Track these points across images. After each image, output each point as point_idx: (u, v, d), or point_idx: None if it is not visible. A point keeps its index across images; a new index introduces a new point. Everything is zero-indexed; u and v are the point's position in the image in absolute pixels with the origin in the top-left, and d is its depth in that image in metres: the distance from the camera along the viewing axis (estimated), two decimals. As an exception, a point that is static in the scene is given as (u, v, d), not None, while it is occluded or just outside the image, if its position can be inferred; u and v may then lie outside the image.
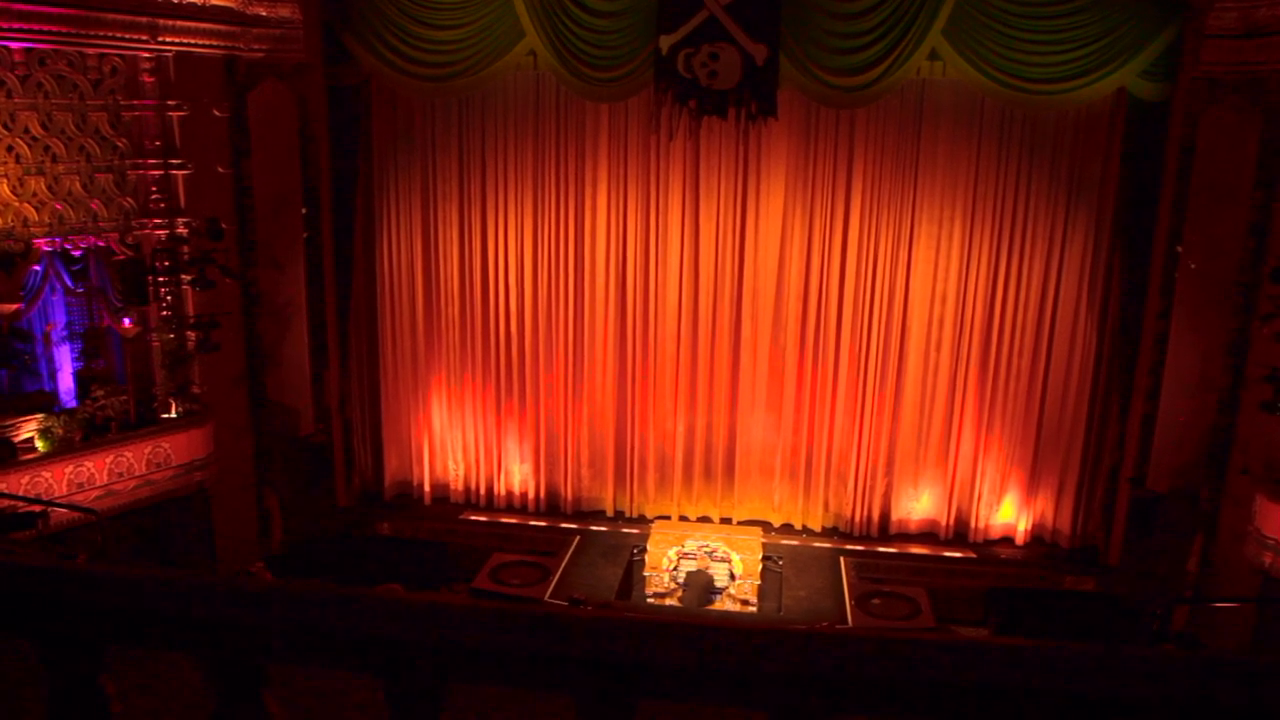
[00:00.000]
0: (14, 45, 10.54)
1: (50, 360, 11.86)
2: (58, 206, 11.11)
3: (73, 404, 11.72)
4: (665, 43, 11.34)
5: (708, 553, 11.96)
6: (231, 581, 2.36)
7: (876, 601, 11.40)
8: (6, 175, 10.70)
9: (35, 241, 10.97)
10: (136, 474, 11.75)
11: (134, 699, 2.53)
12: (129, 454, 11.69)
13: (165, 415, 12.21)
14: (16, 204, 10.81)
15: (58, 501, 10.47)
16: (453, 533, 13.44)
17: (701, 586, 11.72)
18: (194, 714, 2.87)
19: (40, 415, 11.18)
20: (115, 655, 2.35)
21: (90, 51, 11.14)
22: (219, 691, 2.27)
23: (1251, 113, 11.30)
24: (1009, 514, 13.27)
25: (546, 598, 11.19)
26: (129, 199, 11.72)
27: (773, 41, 11.20)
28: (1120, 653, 2.02)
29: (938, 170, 12.54)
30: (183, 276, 12.11)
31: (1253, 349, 11.46)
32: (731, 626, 2.09)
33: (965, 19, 11.12)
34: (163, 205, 11.93)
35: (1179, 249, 11.76)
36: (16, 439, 10.95)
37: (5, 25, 10.28)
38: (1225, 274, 11.66)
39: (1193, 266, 11.76)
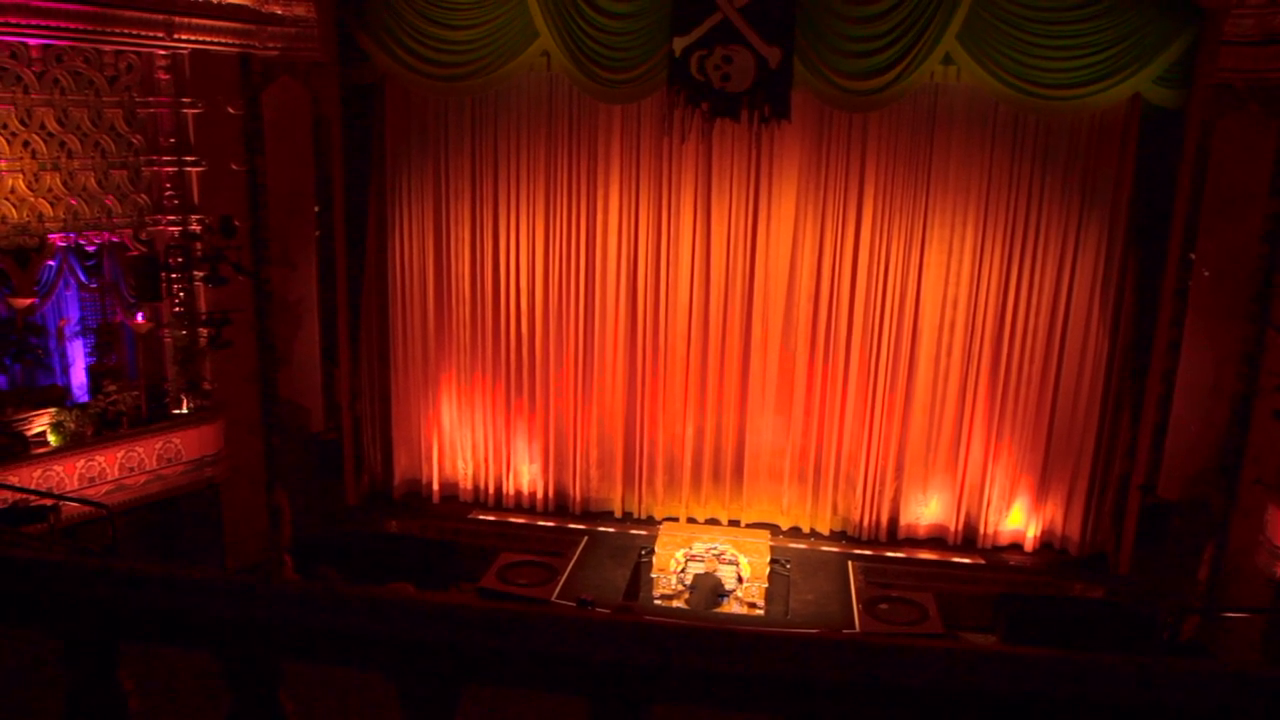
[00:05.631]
0: (32, 41, 10.60)
1: (63, 355, 11.93)
2: (72, 202, 11.17)
3: (85, 399, 11.78)
4: (679, 44, 11.35)
5: (715, 555, 11.94)
6: (244, 580, 2.37)
7: (884, 606, 11.38)
8: (22, 170, 10.76)
9: (50, 237, 11.03)
10: (147, 469, 11.79)
11: (152, 696, 2.54)
12: (140, 449, 11.74)
13: (176, 411, 12.26)
14: (32, 199, 10.87)
15: (69, 495, 10.53)
16: (460, 532, 13.47)
17: (709, 589, 11.71)
18: (210, 711, 2.89)
19: (52, 409, 11.23)
20: (132, 652, 2.36)
21: (106, 48, 11.19)
22: (235, 690, 2.28)
23: (1267, 120, 11.25)
24: (1018, 520, 13.22)
25: (554, 598, 11.19)
26: (143, 195, 11.77)
27: (787, 44, 11.19)
28: (1132, 663, 2.01)
29: (950, 175, 12.51)
30: (195, 273, 12.15)
31: (1266, 357, 11.39)
32: (743, 631, 2.09)
33: (980, 23, 11.10)
34: (176, 202, 11.98)
35: (1192, 256, 11.72)
36: (29, 432, 11.00)
37: (23, 22, 10.34)
38: (1239, 281, 11.60)
39: (1206, 274, 11.71)
